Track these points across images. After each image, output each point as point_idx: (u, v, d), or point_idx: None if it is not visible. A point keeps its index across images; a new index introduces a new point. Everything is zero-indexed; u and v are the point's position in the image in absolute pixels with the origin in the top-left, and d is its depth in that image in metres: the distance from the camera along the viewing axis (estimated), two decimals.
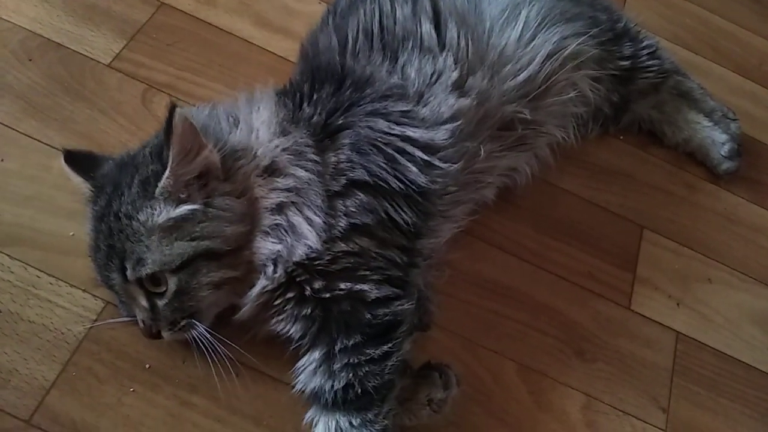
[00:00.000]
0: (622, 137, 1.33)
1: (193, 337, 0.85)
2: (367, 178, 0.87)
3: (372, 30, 0.99)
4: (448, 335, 1.03)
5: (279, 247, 0.84)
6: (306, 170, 0.85)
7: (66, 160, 0.88)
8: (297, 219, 0.84)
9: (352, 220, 0.85)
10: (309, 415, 0.88)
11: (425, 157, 0.91)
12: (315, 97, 0.92)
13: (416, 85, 0.96)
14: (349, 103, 0.91)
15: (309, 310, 0.86)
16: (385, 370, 0.85)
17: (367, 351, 0.85)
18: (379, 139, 0.89)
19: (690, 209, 1.29)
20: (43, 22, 1.17)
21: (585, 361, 1.07)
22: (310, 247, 0.83)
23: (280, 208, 0.85)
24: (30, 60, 1.13)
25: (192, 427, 0.89)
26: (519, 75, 1.03)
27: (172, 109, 0.76)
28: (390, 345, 0.86)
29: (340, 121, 0.90)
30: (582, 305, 1.12)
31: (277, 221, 0.84)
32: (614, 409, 1.04)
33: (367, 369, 0.84)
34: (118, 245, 0.80)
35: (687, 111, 1.32)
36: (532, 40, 1.05)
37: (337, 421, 0.85)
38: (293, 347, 0.89)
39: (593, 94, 1.18)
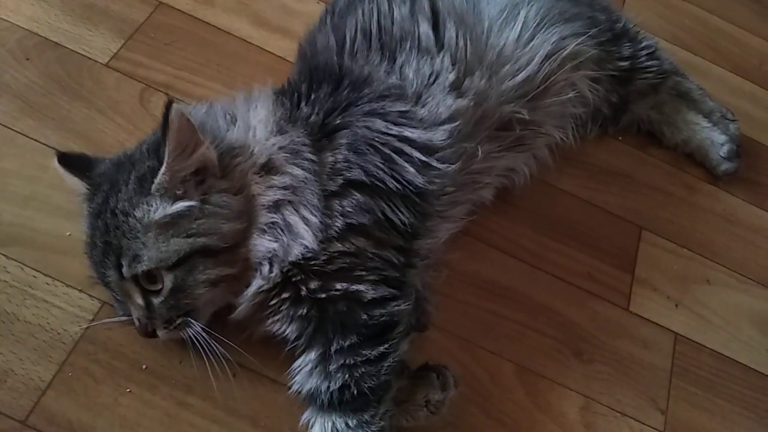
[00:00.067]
0: (620, 138, 1.33)
1: (189, 337, 0.84)
2: (364, 178, 0.86)
3: (370, 30, 0.99)
4: (445, 336, 1.03)
5: (275, 245, 0.83)
6: (302, 169, 0.85)
7: (60, 162, 0.87)
8: (293, 218, 0.84)
9: (349, 220, 0.85)
10: (305, 416, 0.87)
11: (423, 158, 0.91)
12: (313, 96, 0.92)
13: (414, 85, 0.95)
14: (346, 103, 0.91)
15: (305, 311, 0.85)
16: (382, 371, 0.85)
17: (364, 352, 0.84)
18: (376, 139, 0.89)
19: (689, 210, 1.29)
20: (40, 21, 1.17)
21: (583, 362, 1.07)
22: (306, 246, 0.83)
23: (276, 206, 0.84)
24: (27, 59, 1.13)
25: (189, 427, 0.89)
26: (517, 75, 1.03)
27: (168, 104, 0.76)
28: (386, 346, 0.85)
29: (338, 121, 0.89)
30: (580, 306, 1.12)
31: (273, 219, 0.84)
32: (612, 410, 1.03)
33: (363, 370, 0.84)
34: (114, 242, 0.80)
35: (686, 112, 1.32)
36: (531, 40, 1.05)
37: (333, 422, 0.85)
38: (289, 348, 0.89)
39: (592, 95, 1.18)
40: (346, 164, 0.87)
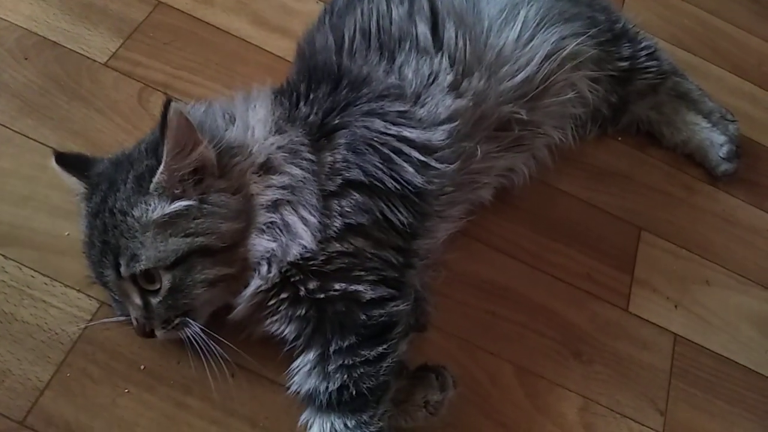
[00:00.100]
0: (620, 138, 1.33)
1: (188, 337, 0.84)
2: (363, 178, 0.86)
3: (369, 30, 0.99)
4: (444, 336, 1.03)
5: (273, 245, 0.83)
6: (301, 169, 0.85)
7: (57, 162, 0.87)
8: (292, 218, 0.84)
9: (348, 220, 0.85)
10: (304, 416, 0.87)
11: (422, 158, 0.91)
12: (311, 96, 0.92)
13: (413, 85, 0.95)
14: (345, 102, 0.91)
15: (303, 311, 0.85)
16: (380, 371, 0.85)
17: (362, 352, 0.84)
18: (375, 139, 0.89)
19: (688, 211, 1.28)
20: (39, 20, 1.17)
21: (582, 363, 1.06)
22: (305, 246, 0.83)
23: (275, 206, 0.84)
24: (26, 59, 1.12)
25: (187, 428, 0.89)
26: (516, 76, 1.03)
27: (167, 103, 0.76)
28: (385, 346, 0.85)
29: (337, 121, 0.89)
30: (580, 307, 1.12)
31: (272, 219, 0.84)
32: (611, 411, 1.03)
33: (362, 370, 0.84)
34: (112, 241, 0.80)
35: (685, 112, 1.32)
36: (531, 40, 1.05)
37: (332, 423, 0.85)
38: (288, 348, 0.88)
39: (591, 95, 1.18)
40: (344, 164, 0.87)
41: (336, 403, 0.84)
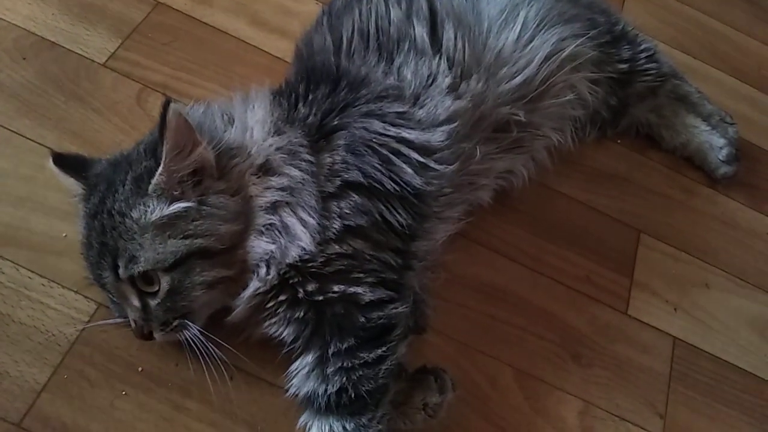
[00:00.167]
0: (619, 141, 1.33)
1: (186, 339, 0.84)
2: (362, 179, 0.86)
3: (367, 31, 0.99)
4: (444, 339, 1.03)
5: (272, 247, 0.83)
6: (300, 170, 0.85)
7: (55, 163, 0.86)
8: (291, 220, 0.83)
9: (346, 222, 0.84)
10: (302, 419, 0.87)
11: (421, 159, 0.90)
12: (310, 97, 0.91)
13: (412, 86, 0.95)
14: (344, 103, 0.91)
15: (302, 313, 0.85)
16: (379, 374, 0.84)
17: (361, 354, 0.84)
18: (374, 140, 0.88)
19: (687, 214, 1.28)
20: (37, 20, 1.16)
21: (582, 366, 1.06)
22: (304, 248, 0.82)
23: (274, 208, 0.84)
24: (24, 59, 1.12)
25: (185, 431, 0.88)
26: (515, 78, 1.03)
27: (166, 104, 0.76)
28: (384, 348, 0.85)
29: (335, 122, 0.89)
30: (579, 310, 1.11)
31: (271, 221, 0.83)
32: (611, 414, 1.03)
33: (360, 373, 0.83)
34: (110, 243, 0.80)
35: (685, 115, 1.32)
36: (531, 41, 1.05)
37: (330, 426, 0.84)
38: (286, 350, 0.88)
39: (591, 97, 1.18)
40: (343, 165, 0.87)
41: (335, 406, 0.84)
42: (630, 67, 1.21)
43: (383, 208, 0.87)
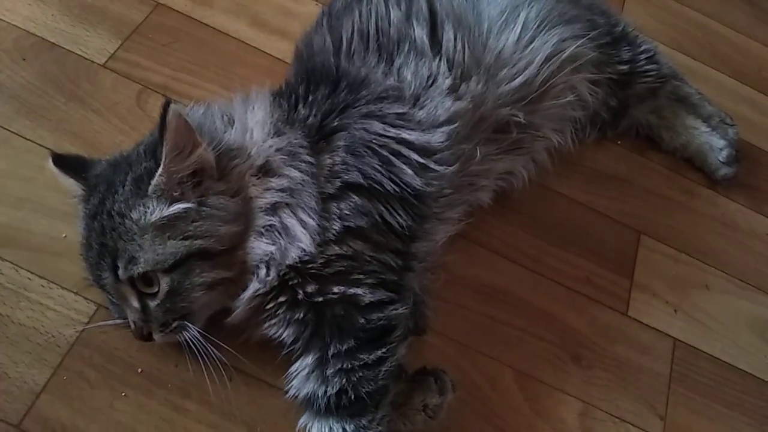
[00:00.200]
0: (619, 142, 1.33)
1: (185, 340, 0.84)
2: (362, 180, 0.86)
3: (367, 32, 0.99)
4: (444, 340, 1.02)
5: (272, 248, 0.83)
6: (300, 171, 0.85)
7: (54, 163, 0.86)
8: (291, 221, 0.83)
9: (346, 223, 0.84)
10: (302, 420, 0.87)
11: (421, 160, 0.90)
12: (310, 98, 0.91)
13: (412, 87, 0.95)
14: (344, 104, 0.91)
15: (301, 315, 0.85)
16: (379, 375, 0.84)
17: (361, 356, 0.84)
18: (374, 141, 0.88)
19: (687, 215, 1.28)
20: (37, 21, 1.16)
21: (582, 367, 1.06)
22: (304, 250, 0.82)
23: (274, 209, 0.84)
24: (24, 59, 1.12)
25: None
26: (515, 79, 1.03)
27: (166, 105, 0.76)
28: (384, 350, 0.85)
29: (335, 123, 0.89)
30: (579, 311, 1.11)
31: (270, 222, 0.83)
32: (611, 416, 1.03)
33: (360, 374, 0.83)
34: (110, 244, 0.80)
35: (685, 116, 1.32)
36: (531, 42, 1.04)
37: (330, 427, 0.84)
38: (286, 352, 0.88)
39: (591, 98, 1.18)
40: (343, 167, 0.87)
41: (334, 408, 0.84)
42: (630, 69, 1.21)
43: (383, 209, 0.87)
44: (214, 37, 1.24)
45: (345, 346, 0.84)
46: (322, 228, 0.83)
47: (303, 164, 0.86)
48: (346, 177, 0.86)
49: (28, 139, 1.05)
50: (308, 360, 0.86)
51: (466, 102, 0.97)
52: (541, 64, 1.04)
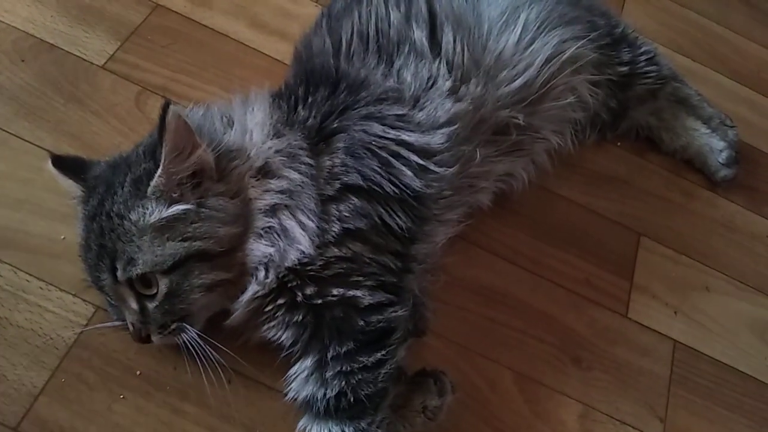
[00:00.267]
0: (619, 143, 1.33)
1: (184, 342, 0.83)
2: (361, 182, 0.86)
3: (367, 33, 0.99)
4: (443, 342, 1.02)
5: (271, 250, 0.82)
6: (299, 173, 0.85)
7: (54, 165, 0.86)
8: (290, 223, 0.83)
9: (346, 225, 0.84)
10: (301, 423, 0.87)
11: (420, 161, 0.90)
12: (310, 100, 0.91)
13: (412, 88, 0.95)
14: (343, 106, 0.90)
15: (300, 317, 0.85)
16: (379, 377, 0.84)
17: (360, 358, 0.84)
18: (373, 142, 0.88)
19: (687, 216, 1.28)
20: (36, 22, 1.16)
21: (582, 369, 1.06)
22: (303, 252, 0.82)
23: (273, 211, 0.84)
24: (22, 61, 1.12)
25: None
26: (515, 81, 1.02)
27: (166, 106, 0.76)
28: (383, 352, 0.85)
29: (335, 125, 0.89)
30: (579, 313, 1.11)
31: (270, 224, 0.83)
32: (611, 418, 1.02)
33: (360, 377, 0.83)
34: (109, 245, 0.79)
35: (685, 118, 1.32)
36: (532, 43, 1.04)
37: (329, 430, 0.84)
38: (285, 354, 0.88)
39: (592, 99, 1.17)
40: (343, 168, 0.86)
41: (334, 410, 0.83)
42: (630, 70, 1.21)
43: (383, 211, 0.87)
44: (213, 39, 1.24)
45: (344, 349, 0.84)
46: (322, 230, 0.83)
47: (302, 166, 0.85)
48: (346, 179, 0.86)
49: (27, 141, 1.05)
50: (307, 362, 0.85)
51: (466, 103, 0.97)
52: (542, 65, 1.04)
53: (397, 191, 0.88)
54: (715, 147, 1.30)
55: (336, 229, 0.84)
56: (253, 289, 0.83)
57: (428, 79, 0.96)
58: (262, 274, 0.83)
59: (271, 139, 0.87)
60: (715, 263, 1.23)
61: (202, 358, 0.84)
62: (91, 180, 0.85)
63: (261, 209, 0.84)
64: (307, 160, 0.86)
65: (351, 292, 0.84)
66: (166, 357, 0.91)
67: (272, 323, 0.86)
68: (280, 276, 0.83)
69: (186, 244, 0.79)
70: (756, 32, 1.67)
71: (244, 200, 0.83)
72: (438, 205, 0.95)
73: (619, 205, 1.25)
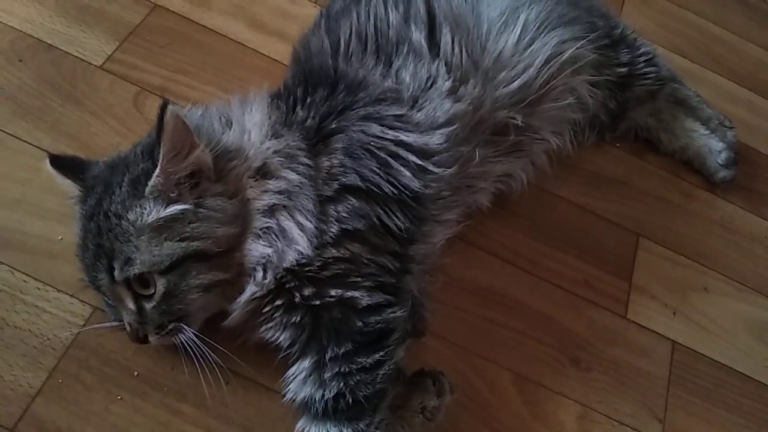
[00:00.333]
0: (618, 145, 1.33)
1: (182, 343, 0.83)
2: (360, 183, 0.86)
3: (365, 33, 0.99)
4: (442, 343, 1.02)
5: (269, 250, 0.82)
6: (298, 173, 0.84)
7: (52, 164, 0.86)
8: (288, 223, 0.83)
9: (344, 226, 0.84)
10: (300, 425, 0.86)
11: (419, 162, 0.90)
12: (308, 100, 0.91)
13: (411, 89, 0.95)
14: (342, 107, 0.90)
15: (298, 318, 0.84)
16: (377, 379, 0.84)
17: (359, 359, 0.83)
18: (372, 143, 0.88)
19: (686, 217, 1.28)
20: (34, 22, 1.16)
21: (580, 370, 1.06)
22: (301, 252, 0.82)
23: (271, 211, 0.84)
24: (20, 61, 1.12)
25: None
26: (514, 82, 1.02)
27: (164, 106, 0.75)
28: (382, 353, 0.84)
29: (333, 125, 0.89)
30: (577, 314, 1.11)
31: (268, 224, 0.83)
32: (610, 419, 1.02)
33: (358, 378, 0.83)
34: (106, 245, 0.79)
35: (684, 119, 1.32)
36: (531, 44, 1.04)
37: (327, 431, 0.84)
38: (283, 355, 0.87)
39: (591, 100, 1.17)
40: (341, 169, 0.86)
41: (332, 411, 0.83)
42: (629, 71, 1.21)
43: (381, 211, 0.87)
44: (212, 39, 1.24)
45: (342, 350, 0.84)
46: (320, 231, 0.83)
47: (301, 166, 0.85)
48: (344, 179, 0.86)
49: (25, 141, 1.04)
50: (305, 363, 0.85)
51: (466, 104, 0.97)
52: (541, 66, 1.04)
53: (395, 192, 0.88)
54: (713, 148, 1.30)
55: (334, 230, 0.84)
56: (251, 290, 0.83)
57: (427, 79, 0.96)
58: (260, 274, 0.83)
59: (270, 140, 0.87)
60: (714, 264, 1.23)
61: (200, 359, 0.83)
62: (90, 180, 0.85)
63: (259, 209, 0.83)
64: (306, 160, 0.86)
65: (349, 293, 0.84)
66: (164, 358, 0.91)
67: (270, 324, 0.86)
68: (278, 277, 0.83)
69: (184, 244, 0.79)
70: (754, 33, 1.67)
71: (242, 200, 0.83)
72: (436, 205, 0.95)
73: (618, 206, 1.25)
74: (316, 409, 0.83)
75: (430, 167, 0.91)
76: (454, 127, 0.94)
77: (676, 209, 1.29)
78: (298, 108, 0.91)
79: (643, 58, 1.24)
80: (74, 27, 1.17)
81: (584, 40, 1.10)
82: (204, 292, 0.81)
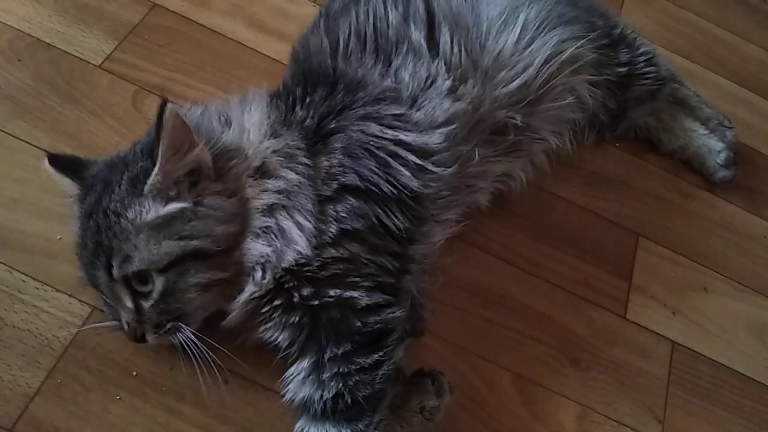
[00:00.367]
0: (617, 144, 1.33)
1: (180, 342, 0.83)
2: (359, 182, 0.85)
3: (365, 33, 0.98)
4: (441, 343, 1.02)
5: (268, 250, 0.82)
6: (296, 173, 0.84)
7: (51, 164, 0.86)
8: (287, 223, 0.83)
9: (343, 226, 0.84)
10: (299, 425, 0.86)
11: (418, 161, 0.90)
12: (308, 100, 0.91)
13: (410, 88, 0.95)
14: (341, 106, 0.90)
15: (297, 318, 0.84)
16: (376, 379, 0.84)
17: (357, 360, 0.83)
18: (371, 143, 0.88)
19: (686, 217, 1.28)
20: (32, 21, 1.16)
21: (580, 370, 1.06)
22: (300, 252, 0.82)
23: (270, 210, 0.83)
24: (19, 60, 1.11)
25: None
26: (513, 82, 1.02)
27: (163, 104, 0.75)
28: (381, 353, 0.84)
29: (333, 125, 0.88)
30: (577, 313, 1.11)
31: (267, 223, 0.83)
32: (609, 419, 1.02)
33: (357, 378, 0.83)
34: (105, 242, 0.79)
35: (683, 119, 1.32)
36: (531, 43, 1.04)
37: None
38: (282, 355, 0.87)
39: (590, 100, 1.17)
40: (340, 169, 0.86)
41: (331, 412, 0.83)
42: (629, 71, 1.21)
43: (380, 211, 0.87)
44: (211, 38, 1.24)
45: (341, 350, 0.83)
46: (319, 230, 0.83)
47: (300, 166, 0.85)
48: (343, 179, 0.86)
49: (23, 140, 1.04)
50: (304, 364, 0.85)
51: (465, 103, 0.97)
52: (541, 65, 1.04)
53: (394, 191, 0.88)
54: (713, 148, 1.30)
55: (333, 230, 0.83)
56: (249, 289, 0.83)
57: (426, 78, 0.96)
58: (259, 274, 0.83)
59: (269, 139, 0.87)
60: (714, 264, 1.23)
61: (199, 359, 0.83)
62: (89, 178, 0.85)
63: (258, 209, 0.83)
64: (305, 160, 0.86)
65: (348, 293, 0.84)
66: (163, 357, 0.91)
67: (269, 324, 0.86)
68: (277, 277, 0.83)
69: (182, 242, 0.79)
70: (754, 34, 1.67)
71: (241, 199, 0.83)
72: (436, 205, 0.95)
73: (618, 206, 1.25)
74: (315, 409, 0.83)
75: (430, 167, 0.91)
76: (454, 126, 0.94)
77: (676, 209, 1.29)
78: (297, 107, 0.91)
79: (642, 58, 1.24)
80: (73, 26, 1.17)
81: (584, 40, 1.10)
82: (202, 291, 0.81)
